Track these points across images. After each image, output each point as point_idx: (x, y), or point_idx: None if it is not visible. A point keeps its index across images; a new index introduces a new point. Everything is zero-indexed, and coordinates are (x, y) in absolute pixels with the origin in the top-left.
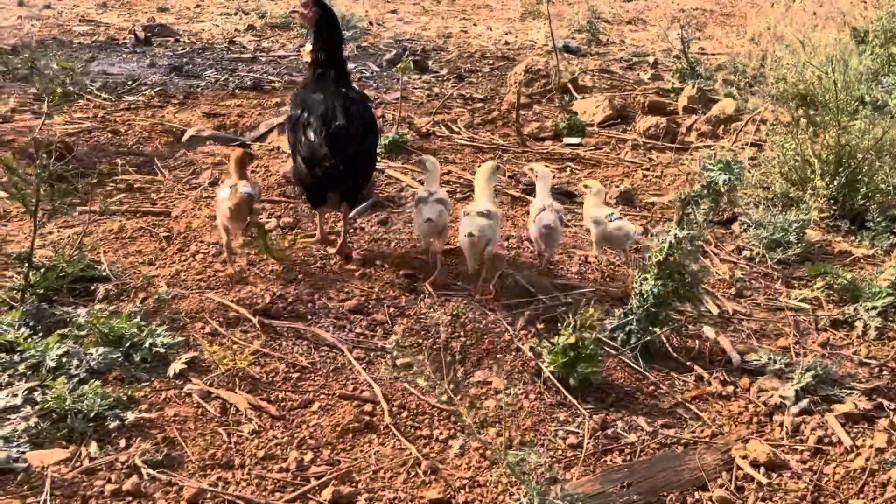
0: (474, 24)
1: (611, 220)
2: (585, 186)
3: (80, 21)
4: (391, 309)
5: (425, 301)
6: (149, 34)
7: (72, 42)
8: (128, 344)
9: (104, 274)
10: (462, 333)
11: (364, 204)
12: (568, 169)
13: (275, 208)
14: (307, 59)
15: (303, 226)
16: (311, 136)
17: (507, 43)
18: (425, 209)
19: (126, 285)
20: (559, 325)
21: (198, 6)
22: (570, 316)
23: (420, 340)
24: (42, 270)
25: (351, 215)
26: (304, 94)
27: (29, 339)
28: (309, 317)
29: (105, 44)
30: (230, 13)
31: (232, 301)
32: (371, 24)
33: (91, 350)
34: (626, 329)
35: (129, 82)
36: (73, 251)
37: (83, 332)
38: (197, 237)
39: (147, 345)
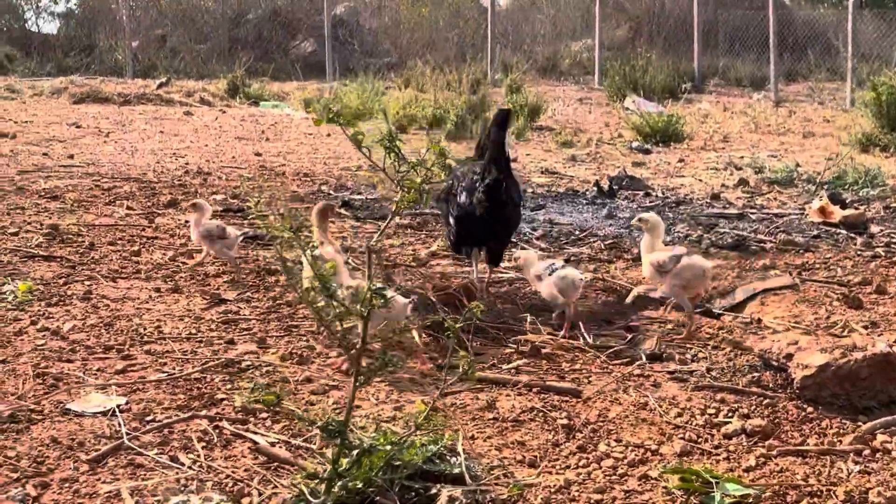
0: None
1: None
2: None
3: (542, 173)
4: None
5: None
6: (615, 186)
7: (525, 190)
8: None
9: (456, 472)
10: None
11: None
12: None
13: (740, 402)
14: (814, 218)
15: (783, 435)
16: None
17: None
18: None
19: (484, 495)
20: None
21: (681, 160)
22: None
23: None
24: (356, 454)
25: None
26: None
27: None
28: None
29: (562, 194)
30: (718, 167)
31: None
32: None
33: None
34: None
35: (577, 232)
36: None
37: None
38: (612, 433)
39: None
